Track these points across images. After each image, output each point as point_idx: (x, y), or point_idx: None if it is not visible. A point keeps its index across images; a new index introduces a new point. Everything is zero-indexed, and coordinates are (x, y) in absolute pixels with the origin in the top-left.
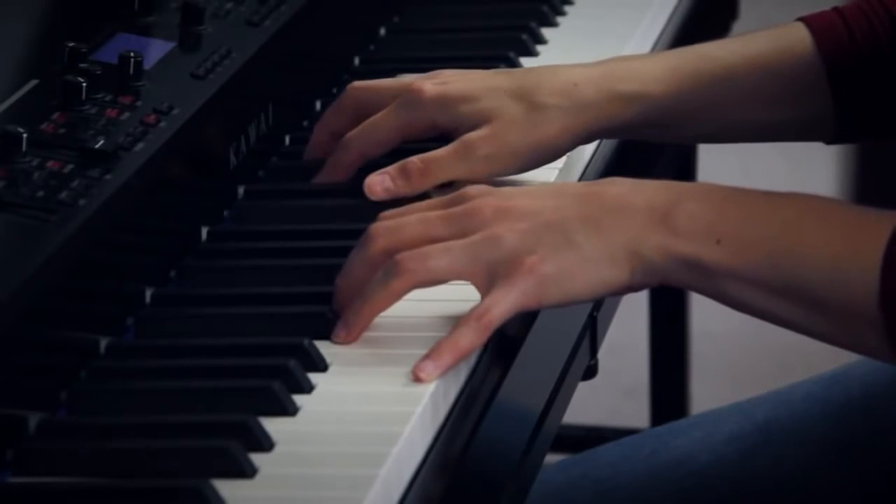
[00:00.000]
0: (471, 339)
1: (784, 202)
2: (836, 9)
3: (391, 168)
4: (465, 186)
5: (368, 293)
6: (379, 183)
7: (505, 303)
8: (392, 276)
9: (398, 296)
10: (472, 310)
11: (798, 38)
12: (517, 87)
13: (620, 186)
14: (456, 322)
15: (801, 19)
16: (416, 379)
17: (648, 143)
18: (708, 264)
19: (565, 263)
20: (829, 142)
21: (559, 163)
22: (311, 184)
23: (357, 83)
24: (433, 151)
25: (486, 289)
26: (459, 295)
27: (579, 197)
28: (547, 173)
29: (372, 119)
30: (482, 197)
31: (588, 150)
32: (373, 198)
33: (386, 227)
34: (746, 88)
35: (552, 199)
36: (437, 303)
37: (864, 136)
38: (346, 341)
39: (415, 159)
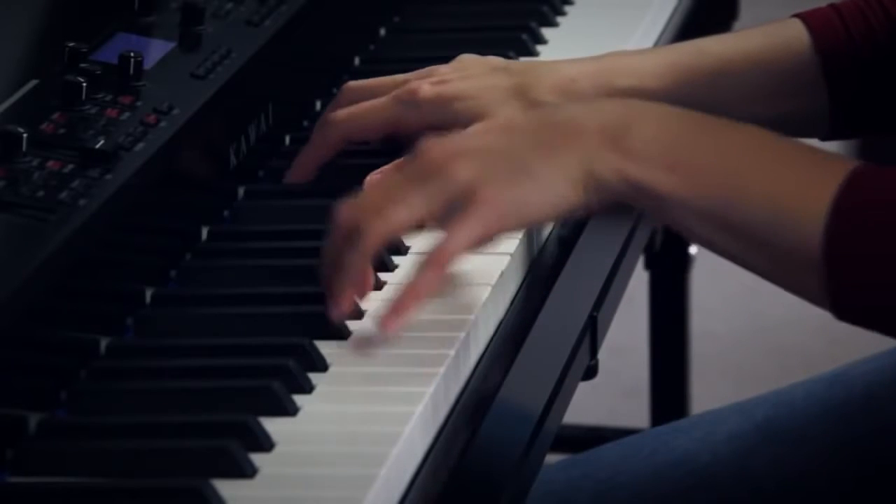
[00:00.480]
0: (428, 279)
1: (740, 135)
2: (832, 5)
3: (389, 167)
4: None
5: (344, 263)
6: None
7: (461, 235)
8: (359, 241)
9: (370, 256)
10: (430, 250)
11: (795, 34)
12: (514, 84)
13: (572, 109)
14: (456, 322)
15: (797, 15)
16: (383, 333)
17: None
18: (659, 191)
19: (521, 188)
20: (824, 138)
21: None
22: (293, 163)
23: (353, 82)
24: None
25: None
26: (460, 296)
27: (529, 126)
28: None
29: (365, 104)
30: (433, 145)
31: None
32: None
33: (348, 203)
34: (743, 84)
35: (502, 134)
36: (436, 303)
37: (860, 133)
38: (340, 316)
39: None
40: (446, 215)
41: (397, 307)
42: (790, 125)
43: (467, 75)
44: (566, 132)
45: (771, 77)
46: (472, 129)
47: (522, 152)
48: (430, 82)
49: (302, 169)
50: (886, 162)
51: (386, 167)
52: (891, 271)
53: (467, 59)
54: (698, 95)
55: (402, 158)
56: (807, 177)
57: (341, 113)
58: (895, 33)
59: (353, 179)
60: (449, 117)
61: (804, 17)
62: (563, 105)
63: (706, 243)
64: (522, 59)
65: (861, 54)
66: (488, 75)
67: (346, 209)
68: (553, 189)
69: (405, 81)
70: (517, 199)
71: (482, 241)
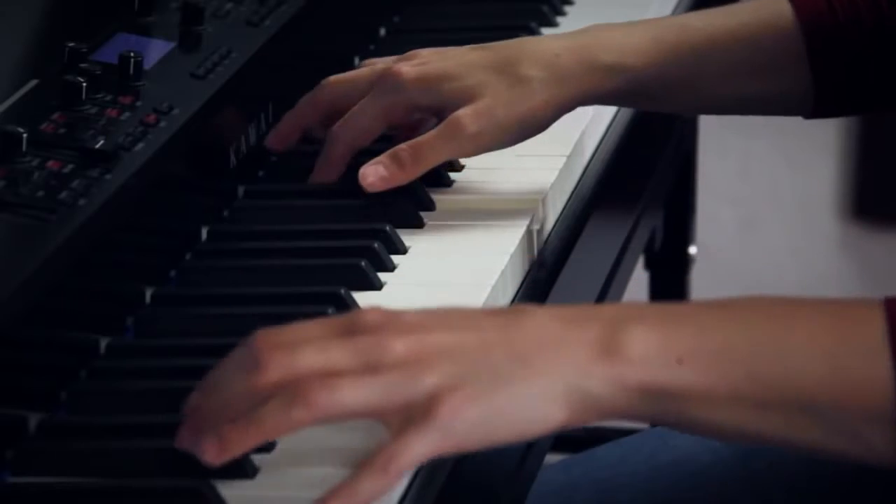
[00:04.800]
0: (372, 488)
1: (735, 306)
2: None
3: (383, 157)
4: (357, 311)
5: (262, 417)
6: (373, 173)
7: (418, 447)
8: (295, 405)
9: (298, 427)
10: (379, 452)
11: (779, 11)
12: (498, 60)
13: (540, 317)
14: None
15: None
16: None
17: (648, 145)
18: (671, 388)
19: (493, 404)
20: (808, 116)
21: (558, 163)
22: (308, 184)
23: (331, 77)
24: (421, 136)
25: (399, 430)
26: (461, 296)
27: (500, 330)
28: (548, 174)
29: (354, 109)
30: (388, 330)
31: (587, 154)
32: (369, 189)
33: (278, 357)
34: (726, 61)
35: (471, 333)
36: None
37: (844, 112)
38: (218, 460)
39: (404, 146)
40: (403, 419)
41: (330, 502)
42: (774, 103)
43: (447, 56)
44: (544, 344)
45: (755, 54)
46: (431, 319)
47: (498, 362)
48: (410, 64)
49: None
50: (888, 166)
51: (382, 157)
52: None
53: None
54: (681, 71)
55: (346, 317)
56: (839, 321)
57: (338, 126)
58: (879, 11)
59: (352, 179)
60: (436, 98)
61: None
62: (524, 309)
63: (737, 432)
64: None
65: (845, 33)
66: (468, 53)
67: (277, 368)
68: (530, 408)
69: (386, 68)
70: (488, 416)
71: (438, 456)
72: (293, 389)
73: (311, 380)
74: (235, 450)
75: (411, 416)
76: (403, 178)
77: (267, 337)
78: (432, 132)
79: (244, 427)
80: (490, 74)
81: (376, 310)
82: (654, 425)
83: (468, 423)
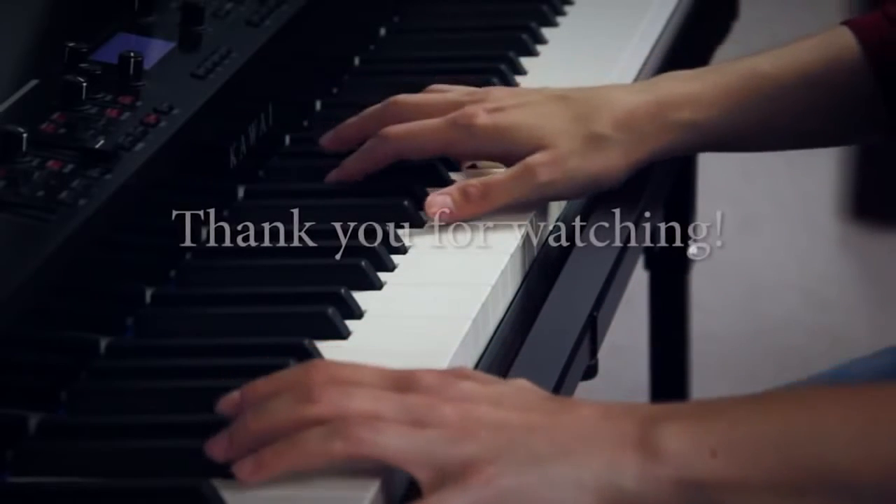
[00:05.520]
0: None
1: (766, 397)
2: (882, 10)
3: (452, 189)
4: (415, 370)
5: (301, 443)
6: (439, 204)
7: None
8: (336, 437)
9: (334, 458)
10: (417, 501)
11: (844, 44)
12: (574, 115)
13: (586, 410)
14: (455, 321)
15: (846, 23)
16: None
17: None
18: (706, 481)
19: (528, 483)
20: (885, 140)
21: None
22: (341, 164)
23: (400, 97)
24: (492, 175)
25: (430, 488)
26: (460, 296)
27: (548, 415)
28: None
29: (421, 124)
30: (441, 394)
31: None
32: (432, 219)
33: (331, 394)
34: (798, 102)
35: (518, 413)
36: (436, 302)
37: None
38: (251, 479)
39: (475, 182)
40: (436, 478)
41: None
42: (850, 134)
43: (524, 102)
44: (584, 436)
45: (825, 92)
46: (482, 392)
47: (538, 444)
48: (486, 109)
49: (347, 174)
50: (888, 166)
51: (451, 190)
52: None
53: (523, 88)
54: (754, 119)
55: (403, 374)
56: (862, 403)
57: (398, 129)
58: None
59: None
60: (508, 147)
61: (852, 25)
62: (580, 401)
63: None
64: (522, 59)
65: None
66: (545, 103)
67: (328, 403)
68: (561, 494)
69: (456, 103)
70: (520, 492)
71: None
72: (338, 423)
73: (359, 419)
74: (270, 471)
75: (443, 477)
76: (469, 214)
77: (323, 370)
78: (505, 173)
79: (282, 450)
80: (566, 127)
81: (433, 372)
82: None
83: (499, 493)
